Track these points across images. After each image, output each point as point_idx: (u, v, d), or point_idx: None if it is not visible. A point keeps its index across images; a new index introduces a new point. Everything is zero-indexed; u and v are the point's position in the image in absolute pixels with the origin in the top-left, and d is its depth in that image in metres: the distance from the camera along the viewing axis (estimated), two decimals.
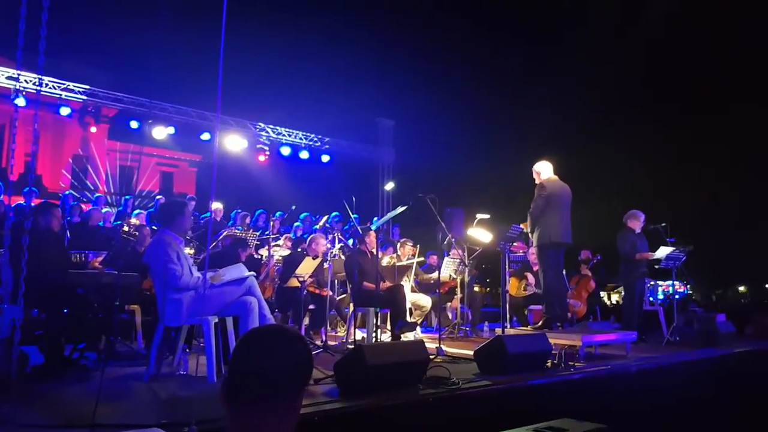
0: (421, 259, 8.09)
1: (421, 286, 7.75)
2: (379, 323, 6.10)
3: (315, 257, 6.37)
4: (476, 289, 9.07)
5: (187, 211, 4.54)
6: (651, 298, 8.25)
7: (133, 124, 11.41)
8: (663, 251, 7.23)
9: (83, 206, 8.94)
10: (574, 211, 6.72)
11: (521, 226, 6.42)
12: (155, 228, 6.79)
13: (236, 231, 8.15)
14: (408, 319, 6.42)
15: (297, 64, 12.53)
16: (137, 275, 5.51)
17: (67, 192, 9.64)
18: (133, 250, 6.12)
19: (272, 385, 1.27)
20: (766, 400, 5.67)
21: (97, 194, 9.95)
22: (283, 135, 13.19)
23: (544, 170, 6.72)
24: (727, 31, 12.81)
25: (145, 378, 4.12)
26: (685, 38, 13.83)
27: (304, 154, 13.42)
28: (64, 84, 10.64)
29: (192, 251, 6.72)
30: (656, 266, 7.49)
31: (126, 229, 6.19)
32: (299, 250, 7.56)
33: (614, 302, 12.33)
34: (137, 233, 6.32)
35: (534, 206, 6.51)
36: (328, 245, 7.69)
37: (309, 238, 7.20)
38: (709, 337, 6.93)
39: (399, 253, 7.83)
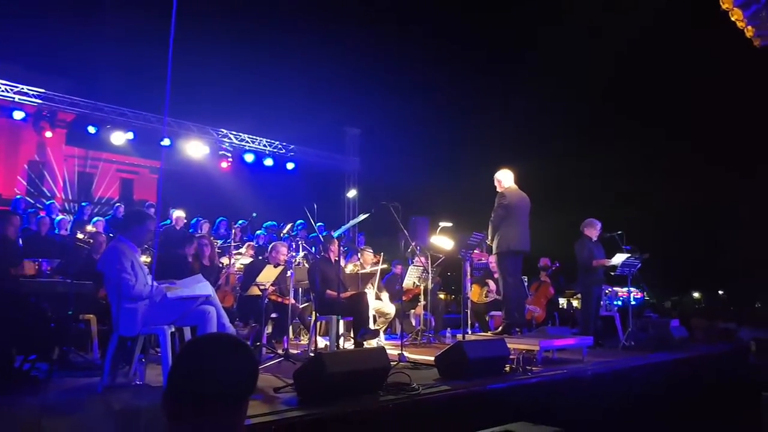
0: (386, 266, 8.12)
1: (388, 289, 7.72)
2: (342, 331, 6.09)
3: (276, 265, 6.32)
4: (440, 296, 9.14)
5: (149, 222, 4.41)
6: (608, 303, 8.41)
7: (91, 129, 11.16)
8: (619, 258, 7.39)
9: (41, 213, 8.67)
10: (534, 219, 6.85)
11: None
12: (112, 236, 6.63)
13: None
14: (372, 326, 6.42)
15: (262, 70, 12.41)
16: (91, 284, 5.38)
17: (17, 197, 9.32)
18: (88, 258, 5.98)
19: (213, 393, 1.23)
20: (716, 402, 5.87)
21: (49, 202, 9.63)
22: (247, 142, 13.06)
23: (505, 179, 6.84)
24: (688, 47, 13.28)
25: (98, 389, 4.01)
26: (646, 52, 14.29)
27: (268, 162, 13.30)
28: (17, 87, 10.36)
29: (148, 259, 6.60)
30: (612, 273, 7.66)
31: (80, 236, 6.03)
32: (260, 258, 7.49)
33: (573, 308, 12.55)
34: (92, 241, 6.17)
35: (494, 215, 6.62)
36: (293, 253, 7.63)
37: (270, 246, 7.14)
38: (663, 342, 7.13)
39: (361, 260, 7.84)
